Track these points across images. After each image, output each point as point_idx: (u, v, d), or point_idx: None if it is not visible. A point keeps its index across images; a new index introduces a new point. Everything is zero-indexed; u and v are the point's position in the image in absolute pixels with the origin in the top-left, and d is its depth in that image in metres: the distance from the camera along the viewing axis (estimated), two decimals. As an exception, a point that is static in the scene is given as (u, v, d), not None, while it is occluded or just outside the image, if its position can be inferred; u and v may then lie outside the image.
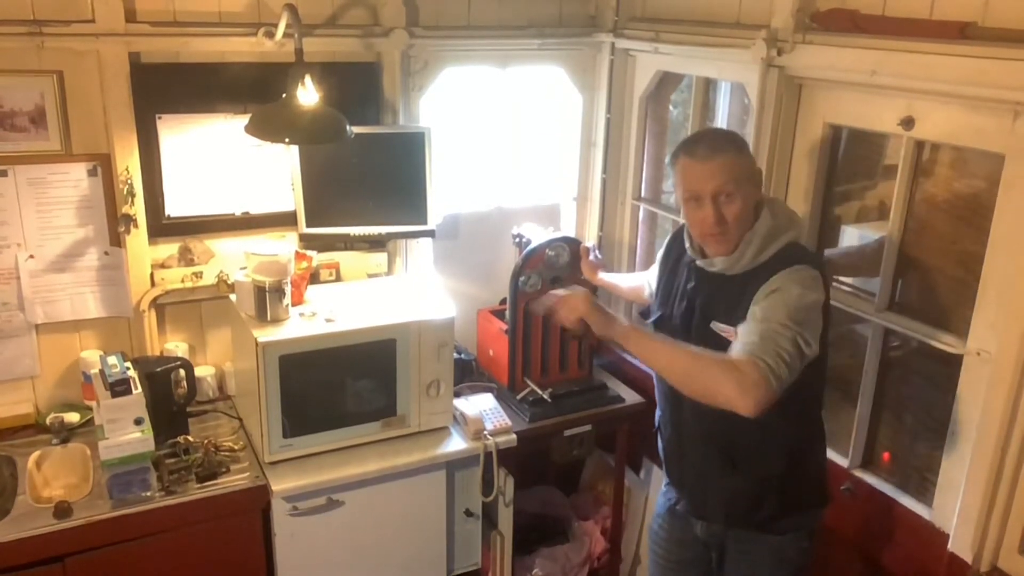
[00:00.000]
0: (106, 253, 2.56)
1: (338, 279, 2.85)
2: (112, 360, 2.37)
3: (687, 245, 2.00)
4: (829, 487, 2.08)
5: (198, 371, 2.64)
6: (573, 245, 2.79)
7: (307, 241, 2.77)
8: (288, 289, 2.44)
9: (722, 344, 1.81)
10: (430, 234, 2.86)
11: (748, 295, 1.81)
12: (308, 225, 2.73)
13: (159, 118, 2.53)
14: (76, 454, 2.42)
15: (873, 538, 2.19)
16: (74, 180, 2.46)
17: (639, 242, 3.31)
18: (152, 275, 2.62)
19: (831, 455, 2.29)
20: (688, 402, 1.92)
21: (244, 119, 2.41)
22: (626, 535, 3.26)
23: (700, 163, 1.84)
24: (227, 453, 2.43)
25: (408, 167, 2.77)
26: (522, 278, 2.74)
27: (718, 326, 1.89)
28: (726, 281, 1.89)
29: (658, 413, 2.21)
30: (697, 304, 1.95)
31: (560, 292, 1.98)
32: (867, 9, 2.16)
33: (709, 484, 2.04)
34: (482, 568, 2.79)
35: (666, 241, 2.21)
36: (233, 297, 2.54)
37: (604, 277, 2.76)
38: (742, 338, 1.73)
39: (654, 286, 2.27)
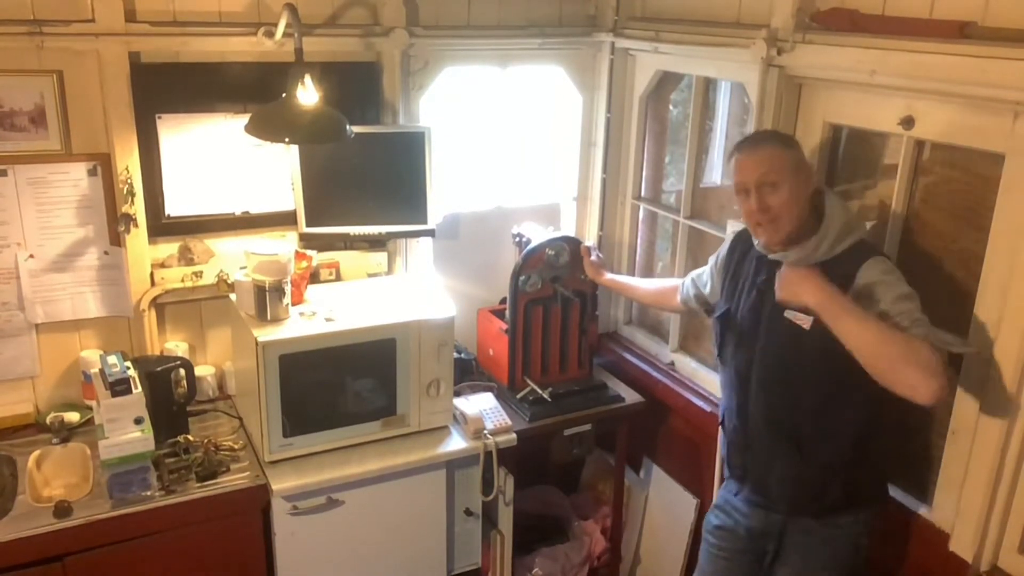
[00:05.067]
0: (106, 253, 2.56)
1: (338, 279, 2.85)
2: (112, 359, 2.37)
3: (755, 242, 2.08)
4: (887, 488, 2.15)
5: (198, 370, 2.64)
6: (573, 244, 2.80)
7: (307, 240, 2.77)
8: (288, 288, 2.44)
9: (793, 331, 1.93)
10: (430, 234, 2.86)
11: None
12: (308, 224, 2.73)
13: (159, 118, 2.53)
14: (76, 454, 2.42)
15: (873, 537, 2.19)
16: (74, 180, 2.46)
17: (639, 242, 3.31)
18: (152, 275, 2.62)
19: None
20: (755, 390, 2.06)
21: (244, 119, 2.41)
22: (626, 535, 3.26)
23: (746, 155, 1.97)
24: (227, 452, 2.43)
25: (408, 167, 2.77)
26: (522, 277, 2.74)
27: (792, 314, 1.95)
28: None
29: (722, 405, 2.27)
30: (769, 296, 2.01)
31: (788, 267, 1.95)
32: (867, 9, 2.16)
33: (774, 471, 2.09)
34: (482, 567, 2.79)
35: (727, 243, 2.28)
36: (233, 297, 2.54)
37: (614, 278, 2.77)
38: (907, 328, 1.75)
39: (707, 289, 2.37)
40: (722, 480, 2.57)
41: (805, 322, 1.92)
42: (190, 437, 2.45)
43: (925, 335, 1.73)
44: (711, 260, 2.37)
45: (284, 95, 2.31)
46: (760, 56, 2.36)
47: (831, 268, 1.90)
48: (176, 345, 2.71)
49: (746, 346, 2.08)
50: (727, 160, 2.05)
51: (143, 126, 2.50)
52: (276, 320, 2.41)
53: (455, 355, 2.67)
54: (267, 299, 2.39)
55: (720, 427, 2.29)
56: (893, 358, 1.69)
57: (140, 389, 2.34)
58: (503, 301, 2.95)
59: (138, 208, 2.53)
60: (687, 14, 2.81)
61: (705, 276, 2.39)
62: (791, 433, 2.03)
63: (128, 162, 2.48)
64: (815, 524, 2.07)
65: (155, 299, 2.64)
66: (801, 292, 1.85)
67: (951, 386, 2.10)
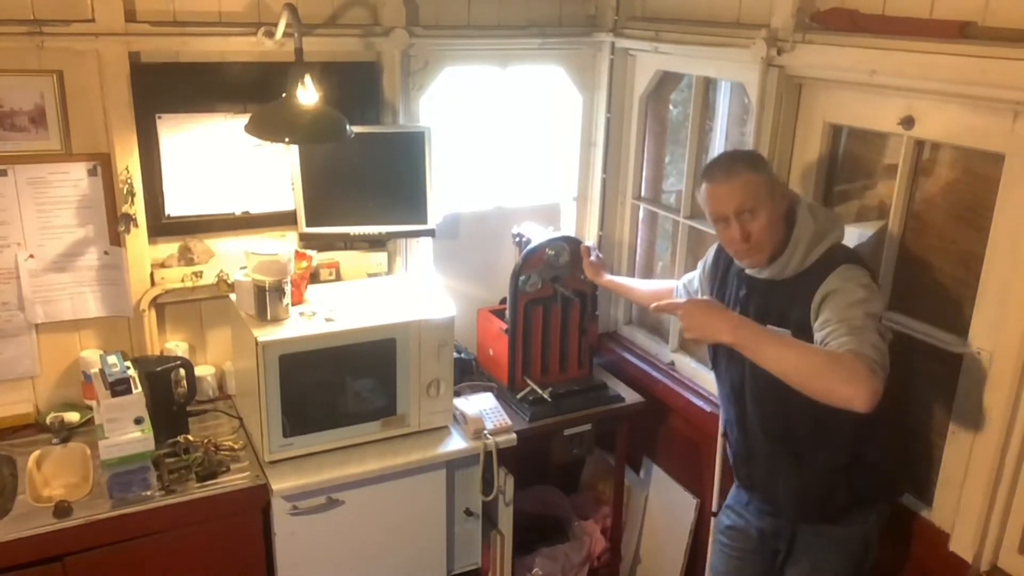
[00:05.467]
0: (106, 253, 2.56)
1: (338, 279, 2.85)
2: (112, 359, 2.37)
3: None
4: (898, 483, 2.16)
5: (198, 370, 2.64)
6: (573, 244, 2.80)
7: (307, 240, 2.77)
8: (288, 288, 2.44)
9: None
10: (430, 233, 2.86)
11: (800, 298, 1.88)
12: (308, 224, 2.73)
13: (159, 118, 2.53)
14: (76, 453, 2.42)
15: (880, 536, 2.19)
16: (74, 180, 2.46)
17: (639, 242, 3.31)
18: (152, 275, 2.62)
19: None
20: (750, 401, 2.06)
21: (244, 119, 2.41)
22: (626, 535, 3.26)
23: (719, 186, 1.94)
24: (227, 452, 2.43)
25: (408, 167, 2.77)
26: (522, 277, 2.74)
27: (772, 329, 1.92)
28: (777, 286, 1.97)
29: (722, 417, 2.28)
30: (751, 310, 2.01)
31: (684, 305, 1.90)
32: (867, 8, 2.16)
33: (779, 480, 2.10)
34: (482, 567, 2.79)
35: (711, 253, 2.28)
36: (233, 296, 2.54)
37: (613, 279, 2.77)
38: (832, 340, 1.74)
39: (698, 297, 2.34)
40: (723, 480, 2.58)
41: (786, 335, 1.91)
42: (190, 437, 2.45)
43: (859, 343, 1.69)
44: (699, 266, 2.37)
45: (284, 95, 2.31)
46: (760, 56, 2.36)
47: (805, 279, 1.90)
48: (176, 345, 2.71)
49: (737, 361, 2.07)
50: (696, 187, 2.03)
51: (143, 126, 2.50)
52: (276, 320, 2.41)
53: (455, 355, 2.67)
54: (267, 299, 2.39)
55: (724, 438, 2.29)
56: (817, 376, 1.66)
57: (140, 389, 2.33)
58: (503, 301, 2.95)
59: (138, 208, 2.53)
60: (687, 14, 2.81)
61: (696, 283, 2.39)
62: (789, 442, 2.04)
63: (128, 162, 2.48)
64: (825, 525, 2.08)
65: (155, 299, 2.64)
66: (712, 331, 1.80)
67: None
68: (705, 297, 2.02)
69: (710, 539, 2.58)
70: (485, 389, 2.85)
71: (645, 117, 3.15)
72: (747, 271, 2.03)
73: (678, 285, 2.49)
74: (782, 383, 1.94)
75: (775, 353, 1.73)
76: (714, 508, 2.60)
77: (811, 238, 1.91)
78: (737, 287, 2.09)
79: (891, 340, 1.82)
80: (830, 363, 1.67)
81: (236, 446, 2.47)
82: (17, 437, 2.48)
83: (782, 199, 1.96)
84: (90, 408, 2.52)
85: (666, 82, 3.07)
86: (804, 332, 1.86)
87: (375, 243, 2.89)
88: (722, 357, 2.16)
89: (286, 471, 2.37)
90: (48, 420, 2.47)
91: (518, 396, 2.81)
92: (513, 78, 3.08)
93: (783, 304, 1.94)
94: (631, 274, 3.31)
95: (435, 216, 2.85)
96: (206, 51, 2.52)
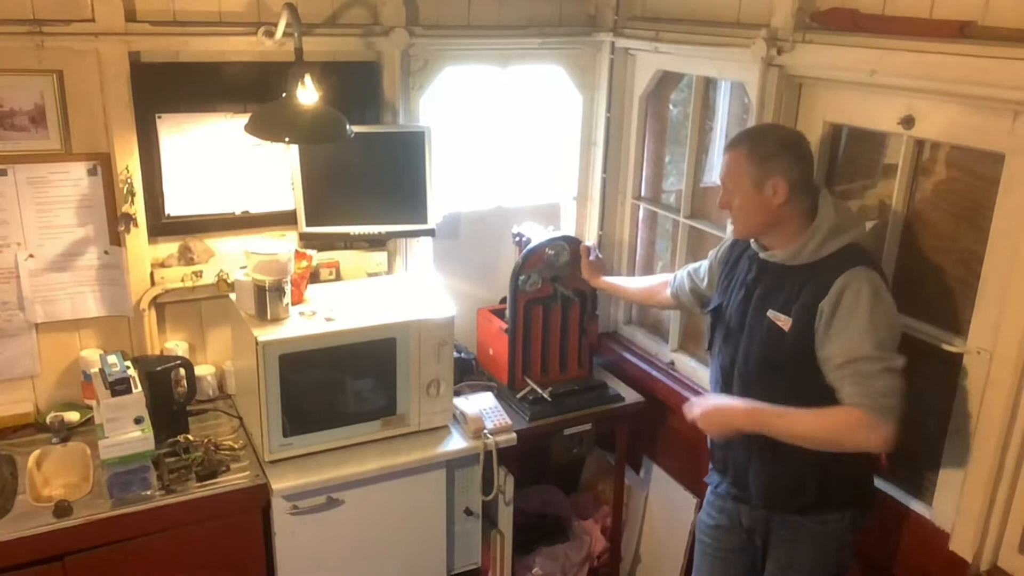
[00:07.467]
0: (106, 252, 2.56)
1: (338, 278, 2.85)
2: (112, 359, 2.37)
3: (751, 240, 2.10)
4: (874, 490, 2.15)
5: (198, 370, 2.64)
6: (573, 244, 2.80)
7: (307, 240, 2.77)
8: (288, 288, 2.44)
9: (774, 331, 1.96)
10: (430, 233, 2.86)
11: (811, 286, 1.91)
12: (308, 224, 2.73)
13: (159, 117, 2.53)
14: (76, 453, 2.42)
15: (873, 537, 2.19)
16: (74, 179, 2.46)
17: (639, 241, 3.31)
18: (152, 274, 2.62)
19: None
20: (737, 385, 2.08)
21: (244, 118, 2.41)
22: (626, 534, 3.26)
23: (725, 151, 2.04)
24: (227, 452, 2.43)
25: (408, 166, 2.77)
26: (522, 277, 2.74)
27: (774, 314, 1.98)
28: (787, 272, 1.98)
29: None
30: (755, 293, 2.04)
31: (696, 410, 2.05)
32: (867, 8, 2.16)
33: (751, 468, 2.10)
34: (482, 567, 2.79)
35: (730, 238, 2.29)
36: (233, 296, 2.54)
37: (607, 280, 2.77)
38: (840, 390, 1.86)
39: (704, 283, 2.38)
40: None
41: (785, 324, 1.94)
42: (190, 437, 2.46)
43: (867, 394, 1.80)
44: (711, 254, 2.36)
45: (284, 95, 2.31)
46: (760, 56, 2.36)
47: (815, 271, 1.91)
48: (176, 345, 2.71)
49: (732, 342, 2.10)
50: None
51: (143, 126, 2.50)
52: (276, 320, 2.41)
53: (455, 355, 2.67)
54: (267, 299, 2.39)
55: None
56: (829, 444, 1.87)
57: (140, 389, 2.34)
58: (503, 301, 2.95)
59: (138, 208, 2.53)
60: (687, 14, 2.81)
61: (703, 270, 2.39)
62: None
63: (128, 162, 2.48)
64: (800, 519, 2.07)
65: (155, 299, 2.64)
66: (728, 424, 1.99)
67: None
68: (708, 399, 2.07)
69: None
70: (485, 389, 2.85)
71: (645, 117, 3.15)
72: (760, 255, 2.04)
73: (679, 273, 2.48)
74: (770, 371, 2.00)
75: (787, 430, 1.90)
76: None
77: (829, 230, 1.92)
78: (747, 270, 2.10)
79: (904, 364, 1.83)
80: (839, 432, 1.84)
81: (236, 446, 2.47)
82: (17, 437, 2.48)
83: (769, 197, 1.93)
84: (90, 408, 2.52)
85: (666, 82, 3.07)
86: (807, 319, 1.89)
87: (375, 243, 2.89)
88: (718, 337, 2.17)
89: (286, 471, 2.37)
90: (48, 420, 2.47)
91: (518, 396, 2.81)
92: (513, 78, 3.08)
93: (791, 290, 1.95)
94: (631, 274, 3.31)
95: (435, 216, 2.85)
96: (206, 51, 2.52)
